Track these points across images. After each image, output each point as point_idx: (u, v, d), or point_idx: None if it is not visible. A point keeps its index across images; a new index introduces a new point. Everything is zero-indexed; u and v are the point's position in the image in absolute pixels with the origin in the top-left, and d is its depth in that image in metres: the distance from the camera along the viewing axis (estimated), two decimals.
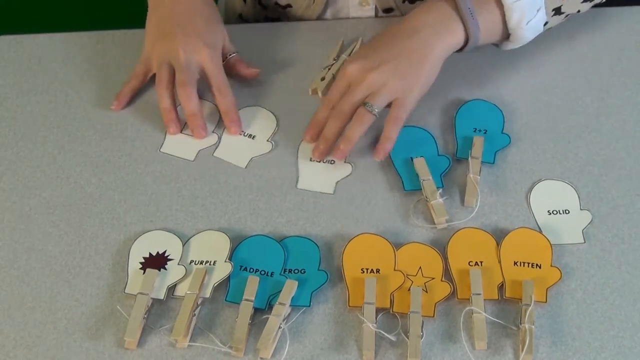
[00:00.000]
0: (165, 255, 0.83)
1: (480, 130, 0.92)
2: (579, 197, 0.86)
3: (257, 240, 0.84)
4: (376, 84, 0.84)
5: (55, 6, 1.93)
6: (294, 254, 0.83)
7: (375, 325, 0.76)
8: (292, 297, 0.78)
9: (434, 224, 0.85)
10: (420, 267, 0.81)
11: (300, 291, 0.79)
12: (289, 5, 1.07)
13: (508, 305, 0.79)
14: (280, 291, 0.78)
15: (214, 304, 0.80)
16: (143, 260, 0.83)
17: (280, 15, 1.09)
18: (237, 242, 0.84)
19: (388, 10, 1.06)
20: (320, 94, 0.96)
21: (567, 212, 0.85)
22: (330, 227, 0.86)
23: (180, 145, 0.92)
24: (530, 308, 0.76)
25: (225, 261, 0.82)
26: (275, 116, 0.95)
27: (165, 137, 0.93)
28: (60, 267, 0.83)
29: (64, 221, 0.87)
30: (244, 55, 0.99)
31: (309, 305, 0.79)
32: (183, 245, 0.84)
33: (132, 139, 0.94)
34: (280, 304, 0.77)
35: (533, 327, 0.75)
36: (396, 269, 0.81)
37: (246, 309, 0.77)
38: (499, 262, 0.81)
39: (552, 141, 0.92)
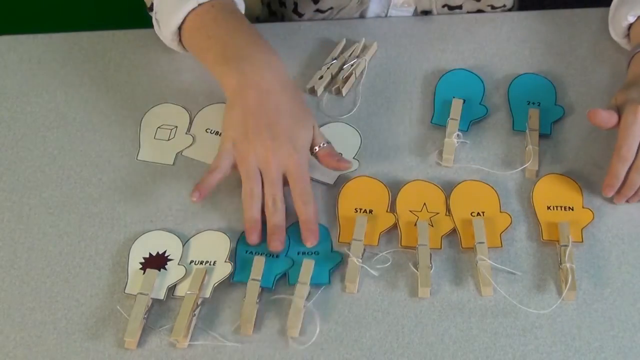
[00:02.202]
0: (165, 255, 0.83)
1: (534, 103, 0.94)
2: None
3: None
4: None
5: (55, 6, 1.92)
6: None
7: (360, 260, 0.80)
8: (312, 277, 0.80)
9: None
10: (425, 203, 0.85)
11: (319, 270, 0.81)
12: (331, 8, 1.06)
13: (546, 247, 0.83)
14: (287, 270, 0.81)
15: (214, 303, 0.80)
16: (143, 261, 0.83)
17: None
18: (240, 232, 0.85)
19: (426, 13, 1.06)
20: (317, 92, 0.96)
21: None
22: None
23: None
24: (569, 248, 0.79)
25: (225, 261, 0.82)
26: None
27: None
28: (60, 267, 0.83)
29: (64, 221, 0.87)
30: None
31: (329, 283, 0.81)
32: (183, 246, 0.84)
33: (132, 139, 0.94)
34: (301, 283, 0.79)
35: (574, 265, 0.78)
36: (388, 210, 0.85)
37: (253, 288, 0.79)
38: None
39: (553, 141, 0.92)
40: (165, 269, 0.82)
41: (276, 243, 0.82)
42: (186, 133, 0.94)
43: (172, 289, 0.81)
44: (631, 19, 0.93)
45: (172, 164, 0.92)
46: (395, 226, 0.84)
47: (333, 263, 0.82)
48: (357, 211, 0.85)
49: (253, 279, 0.80)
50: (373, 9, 1.06)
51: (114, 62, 1.02)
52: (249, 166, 0.84)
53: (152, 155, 0.92)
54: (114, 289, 0.81)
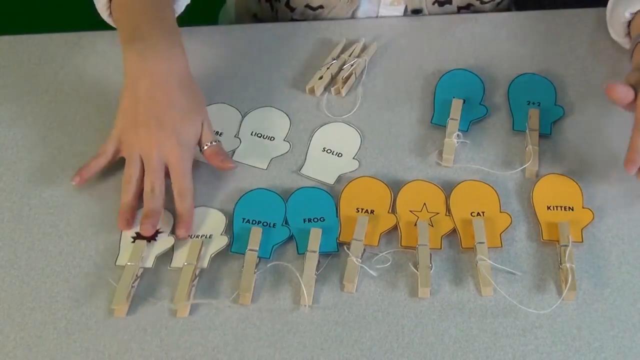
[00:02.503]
0: (157, 228, 0.85)
1: (534, 103, 0.94)
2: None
3: (257, 193, 0.87)
4: None
5: (55, 6, 1.92)
6: (310, 203, 0.86)
7: (359, 260, 0.80)
8: (320, 245, 0.81)
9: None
10: (424, 203, 0.85)
11: (326, 238, 0.83)
12: (321, 7, 1.06)
13: (546, 247, 0.83)
14: (284, 240, 0.83)
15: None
16: (135, 235, 0.84)
17: (307, 17, 1.09)
18: (238, 197, 0.87)
19: (417, 12, 1.06)
20: (317, 92, 0.96)
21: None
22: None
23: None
24: (568, 248, 0.79)
25: (221, 234, 0.84)
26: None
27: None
28: (60, 267, 0.83)
29: (64, 221, 0.87)
30: (246, 58, 0.99)
31: (337, 251, 0.82)
32: (175, 220, 0.86)
33: None
34: (311, 252, 0.81)
35: (574, 265, 0.78)
36: (390, 211, 0.85)
37: (251, 258, 0.80)
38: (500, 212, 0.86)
39: (552, 141, 0.92)
40: (155, 240, 0.84)
41: (147, 226, 0.83)
42: None
43: (169, 261, 0.83)
44: (628, 16, 0.93)
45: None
46: (395, 227, 0.84)
47: (338, 231, 0.84)
48: (358, 211, 0.86)
49: (251, 250, 0.81)
50: (364, 9, 1.06)
51: (114, 62, 1.02)
52: (131, 153, 0.86)
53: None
54: (114, 289, 0.81)
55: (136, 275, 0.81)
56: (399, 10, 1.06)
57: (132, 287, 0.80)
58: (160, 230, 0.84)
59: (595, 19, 1.03)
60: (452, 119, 0.92)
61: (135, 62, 0.87)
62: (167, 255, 0.83)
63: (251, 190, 0.88)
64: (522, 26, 1.04)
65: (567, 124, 0.93)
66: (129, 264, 0.81)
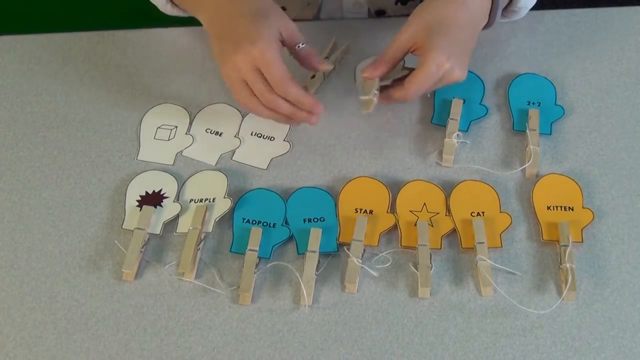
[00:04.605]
0: (161, 193, 0.86)
1: (534, 103, 0.95)
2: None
3: (257, 193, 0.88)
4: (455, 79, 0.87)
5: (55, 6, 1.92)
6: (310, 203, 0.86)
7: (360, 260, 0.80)
8: (320, 245, 0.82)
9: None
10: (424, 203, 0.86)
11: (326, 238, 0.83)
12: (284, 8, 1.07)
13: (546, 247, 0.83)
14: (284, 240, 0.83)
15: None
16: (139, 198, 0.86)
17: None
18: (238, 197, 0.87)
19: (380, 13, 1.06)
20: (310, 91, 0.96)
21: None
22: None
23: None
24: (568, 248, 0.79)
25: (224, 197, 0.85)
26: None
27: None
28: (60, 267, 0.83)
29: (64, 221, 0.87)
30: None
31: (337, 251, 0.82)
32: (178, 184, 0.87)
33: (131, 139, 0.94)
34: (311, 252, 0.81)
35: (574, 265, 0.79)
36: (389, 211, 0.85)
37: (251, 258, 0.81)
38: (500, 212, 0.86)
39: (553, 141, 0.92)
40: (161, 206, 0.85)
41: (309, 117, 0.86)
42: (186, 133, 0.94)
43: (175, 226, 0.84)
44: None
45: (172, 164, 0.92)
46: (395, 226, 0.84)
47: (338, 231, 0.84)
48: (357, 211, 0.86)
49: (251, 250, 0.81)
50: (325, 13, 1.07)
51: (114, 62, 1.02)
52: (233, 82, 0.85)
53: (152, 155, 0.92)
54: (113, 290, 0.81)
55: (144, 241, 0.82)
56: (362, 13, 1.07)
57: (140, 252, 0.82)
58: (165, 195, 0.86)
59: (595, 19, 1.03)
60: (452, 119, 0.92)
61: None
62: (171, 222, 0.85)
63: (251, 190, 0.88)
64: (522, 26, 1.04)
65: (567, 124, 0.93)
66: (137, 229, 0.83)
